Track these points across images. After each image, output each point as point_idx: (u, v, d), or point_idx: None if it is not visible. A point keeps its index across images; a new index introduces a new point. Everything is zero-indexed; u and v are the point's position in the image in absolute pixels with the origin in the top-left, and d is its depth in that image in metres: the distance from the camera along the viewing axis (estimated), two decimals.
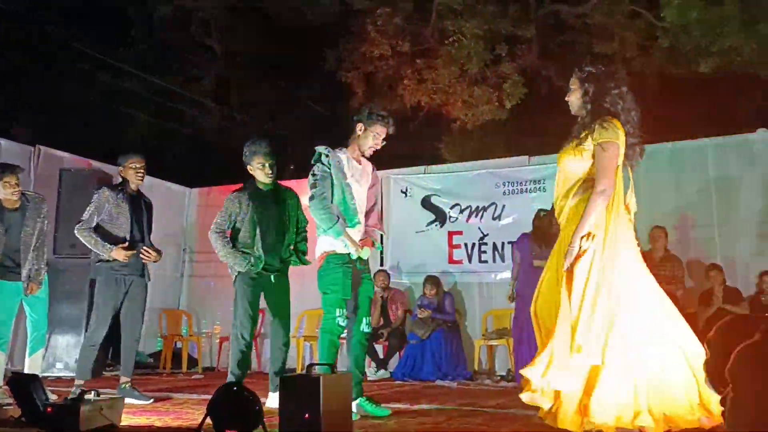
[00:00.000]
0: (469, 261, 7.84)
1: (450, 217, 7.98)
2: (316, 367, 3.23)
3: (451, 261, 7.88)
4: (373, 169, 4.39)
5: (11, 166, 5.09)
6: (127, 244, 4.81)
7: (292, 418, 2.86)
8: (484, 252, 7.79)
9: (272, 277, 4.55)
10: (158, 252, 4.98)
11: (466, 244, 7.88)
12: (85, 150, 8.11)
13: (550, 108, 12.58)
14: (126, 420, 3.66)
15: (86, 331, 5.22)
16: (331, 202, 4.04)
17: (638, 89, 11.68)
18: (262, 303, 4.62)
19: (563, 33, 11.57)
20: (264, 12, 12.80)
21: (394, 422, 3.70)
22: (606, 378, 2.89)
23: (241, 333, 4.43)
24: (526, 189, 7.69)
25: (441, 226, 8.03)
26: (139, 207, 5.00)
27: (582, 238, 3.07)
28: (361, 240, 4.17)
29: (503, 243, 7.62)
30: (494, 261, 7.69)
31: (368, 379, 7.08)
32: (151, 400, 4.73)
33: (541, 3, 11.19)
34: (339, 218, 4.02)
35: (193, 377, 7.22)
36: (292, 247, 4.69)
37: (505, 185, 7.80)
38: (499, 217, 7.75)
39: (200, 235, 9.02)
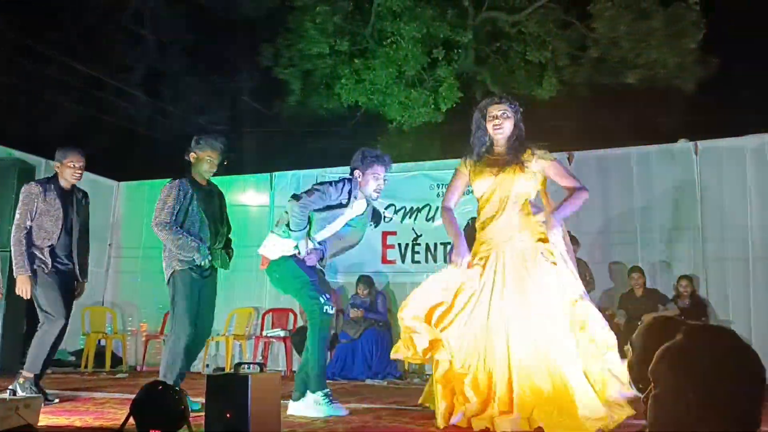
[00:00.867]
0: (403, 261, 7.89)
1: (385, 217, 8.01)
2: (245, 365, 3.18)
3: (384, 261, 7.91)
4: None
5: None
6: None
7: (218, 417, 2.81)
8: (418, 252, 7.86)
9: (205, 273, 4.38)
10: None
11: (399, 245, 7.92)
12: (4, 139, 7.73)
13: None
14: (44, 420, 3.52)
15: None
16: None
17: (568, 98, 12.12)
18: None
19: (499, 40, 11.84)
20: (198, 3, 12.53)
21: (322, 421, 3.69)
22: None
23: (181, 334, 4.18)
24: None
25: (375, 226, 7.98)
26: (71, 203, 4.78)
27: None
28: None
29: (436, 244, 7.72)
30: (427, 261, 7.77)
31: None
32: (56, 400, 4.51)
33: (479, 10, 11.40)
34: (308, 228, 4.01)
35: (116, 376, 7.00)
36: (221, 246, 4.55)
37: (439, 187, 7.89)
38: (432, 219, 7.83)
39: (127, 229, 8.76)
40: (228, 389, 2.85)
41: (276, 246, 4.09)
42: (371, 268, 7.77)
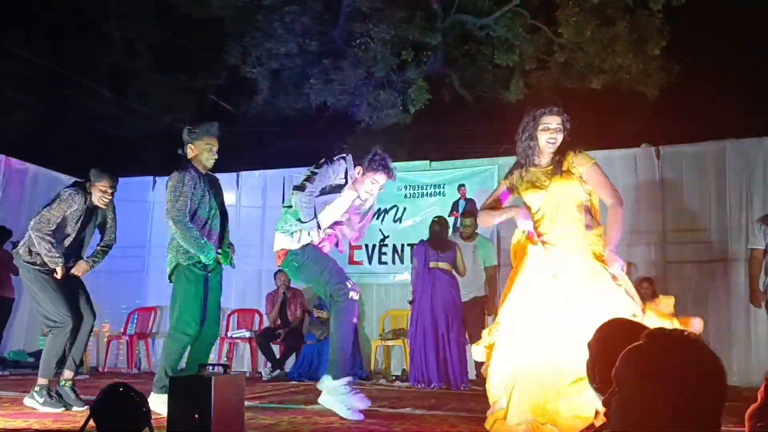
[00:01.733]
0: (369, 262, 7.90)
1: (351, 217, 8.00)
2: (209, 367, 3.17)
3: (351, 262, 7.90)
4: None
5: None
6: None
7: (181, 419, 2.79)
8: (384, 254, 7.88)
9: (210, 268, 4.22)
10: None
11: (366, 246, 7.93)
12: None
13: (453, 115, 12.95)
14: (1, 423, 3.45)
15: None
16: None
17: (534, 101, 12.26)
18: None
19: (467, 43, 11.92)
20: (165, 0, 12.38)
21: (288, 422, 3.68)
22: None
23: (178, 331, 4.05)
24: (427, 193, 7.85)
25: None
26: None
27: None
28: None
29: (403, 245, 7.75)
30: (393, 263, 7.79)
31: (263, 379, 7.01)
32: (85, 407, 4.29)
33: (447, 13, 11.47)
34: (316, 218, 3.92)
35: (77, 377, 6.86)
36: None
37: (406, 188, 7.92)
38: (399, 220, 7.86)
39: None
40: (191, 391, 2.83)
41: (288, 239, 4.00)
42: None
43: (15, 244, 4.68)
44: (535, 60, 11.17)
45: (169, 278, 4.17)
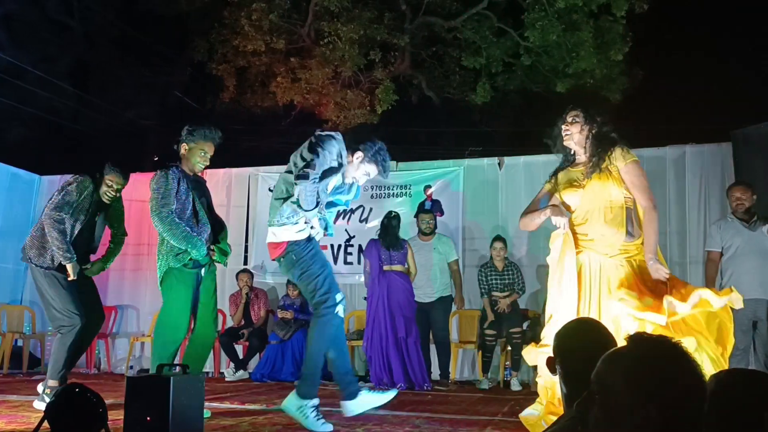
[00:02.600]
0: (335, 262, 7.87)
1: None
2: (168, 367, 3.12)
3: None
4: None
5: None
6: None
7: (138, 420, 2.74)
8: (350, 254, 7.86)
9: (203, 270, 4.14)
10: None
11: (332, 246, 7.90)
12: None
13: (420, 116, 13.00)
14: None
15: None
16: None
17: (501, 104, 12.29)
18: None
19: (435, 45, 11.97)
20: None
21: (248, 423, 3.64)
22: None
23: (174, 337, 3.92)
24: (393, 194, 7.86)
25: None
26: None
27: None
28: None
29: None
30: (359, 263, 7.77)
31: (226, 379, 6.93)
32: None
33: (416, 14, 11.50)
34: (317, 204, 3.68)
35: (33, 378, 6.71)
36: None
37: (372, 189, 7.91)
38: (366, 220, 7.85)
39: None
40: (149, 391, 2.78)
41: (289, 231, 3.72)
42: None
43: None
44: (502, 63, 11.27)
45: (161, 284, 4.04)
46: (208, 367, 7.77)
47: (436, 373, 6.69)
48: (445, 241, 6.90)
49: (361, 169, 3.85)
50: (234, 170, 8.34)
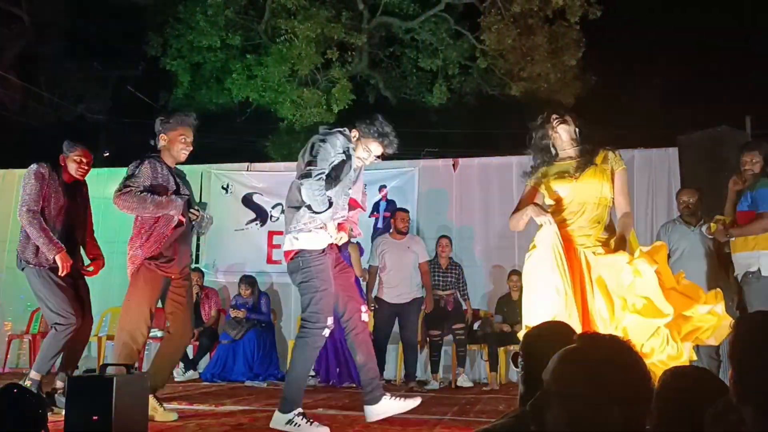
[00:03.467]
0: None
1: (272, 216, 7.90)
2: (113, 367, 3.04)
3: (270, 261, 7.79)
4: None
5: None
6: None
7: (79, 421, 2.66)
8: None
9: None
10: None
11: None
12: None
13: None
14: None
15: None
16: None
17: (457, 105, 12.38)
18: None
19: (392, 45, 12.01)
20: None
21: (195, 424, 3.59)
22: None
23: (139, 334, 3.85)
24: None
25: (261, 226, 7.93)
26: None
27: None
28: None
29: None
30: None
31: (175, 380, 6.80)
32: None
33: (373, 14, 11.50)
34: (331, 204, 3.58)
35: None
36: None
37: None
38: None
39: None
40: (91, 392, 2.71)
41: (306, 238, 3.58)
42: (255, 268, 7.64)
43: None
44: (458, 65, 11.36)
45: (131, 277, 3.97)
46: None
47: (392, 373, 6.70)
48: (419, 241, 6.81)
49: (360, 149, 3.76)
50: (186, 167, 8.12)
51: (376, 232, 7.08)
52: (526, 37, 10.32)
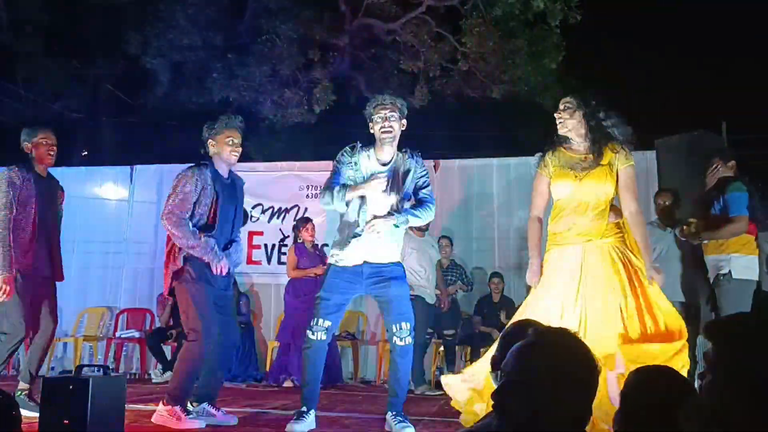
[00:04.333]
0: (268, 262, 7.79)
1: (251, 217, 7.87)
2: (89, 368, 3.01)
3: (249, 262, 7.76)
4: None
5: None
6: None
7: (53, 423, 2.63)
8: (284, 254, 7.78)
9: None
10: None
11: (266, 245, 7.81)
12: None
13: (357, 117, 12.99)
14: None
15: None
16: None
17: (438, 107, 12.42)
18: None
19: (374, 46, 11.99)
20: None
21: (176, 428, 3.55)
22: None
23: (211, 344, 3.69)
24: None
25: (241, 226, 7.89)
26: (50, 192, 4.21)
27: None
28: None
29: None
30: None
31: (153, 381, 6.75)
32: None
33: (355, 15, 11.49)
34: (338, 186, 3.69)
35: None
36: None
37: (309, 188, 7.87)
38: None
39: None
40: (66, 393, 2.68)
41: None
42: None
43: None
44: (440, 67, 11.39)
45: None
46: (135, 367, 7.58)
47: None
48: (433, 239, 6.78)
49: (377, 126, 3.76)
50: (165, 166, 8.13)
51: None
52: (507, 40, 10.39)
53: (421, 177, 3.80)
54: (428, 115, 12.57)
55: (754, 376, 1.38)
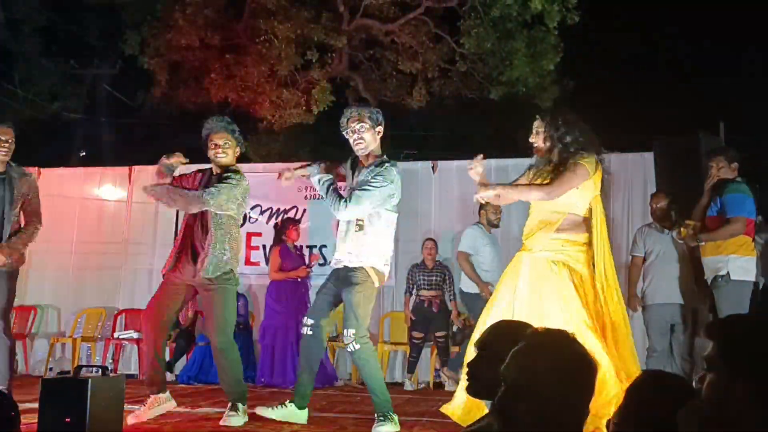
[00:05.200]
0: (267, 263, 7.77)
1: (250, 218, 7.86)
2: (88, 369, 3.01)
3: (248, 263, 7.75)
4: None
5: None
6: None
7: (53, 423, 2.63)
8: None
9: None
10: None
11: (264, 246, 7.80)
12: None
13: None
14: None
15: None
16: None
17: (436, 109, 12.44)
18: None
19: (372, 47, 12.01)
20: None
21: (171, 426, 3.56)
22: None
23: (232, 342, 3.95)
24: None
25: (240, 227, 7.88)
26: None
27: None
28: None
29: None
30: None
31: None
32: None
33: (353, 16, 11.50)
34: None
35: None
36: None
37: (307, 189, 7.85)
38: (299, 221, 7.79)
39: None
40: (65, 394, 2.68)
41: None
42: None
43: None
44: (438, 68, 11.40)
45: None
46: (133, 368, 7.57)
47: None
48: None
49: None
50: None
51: None
52: (505, 41, 10.40)
53: (366, 177, 3.97)
54: (426, 116, 12.60)
55: (756, 376, 1.38)
